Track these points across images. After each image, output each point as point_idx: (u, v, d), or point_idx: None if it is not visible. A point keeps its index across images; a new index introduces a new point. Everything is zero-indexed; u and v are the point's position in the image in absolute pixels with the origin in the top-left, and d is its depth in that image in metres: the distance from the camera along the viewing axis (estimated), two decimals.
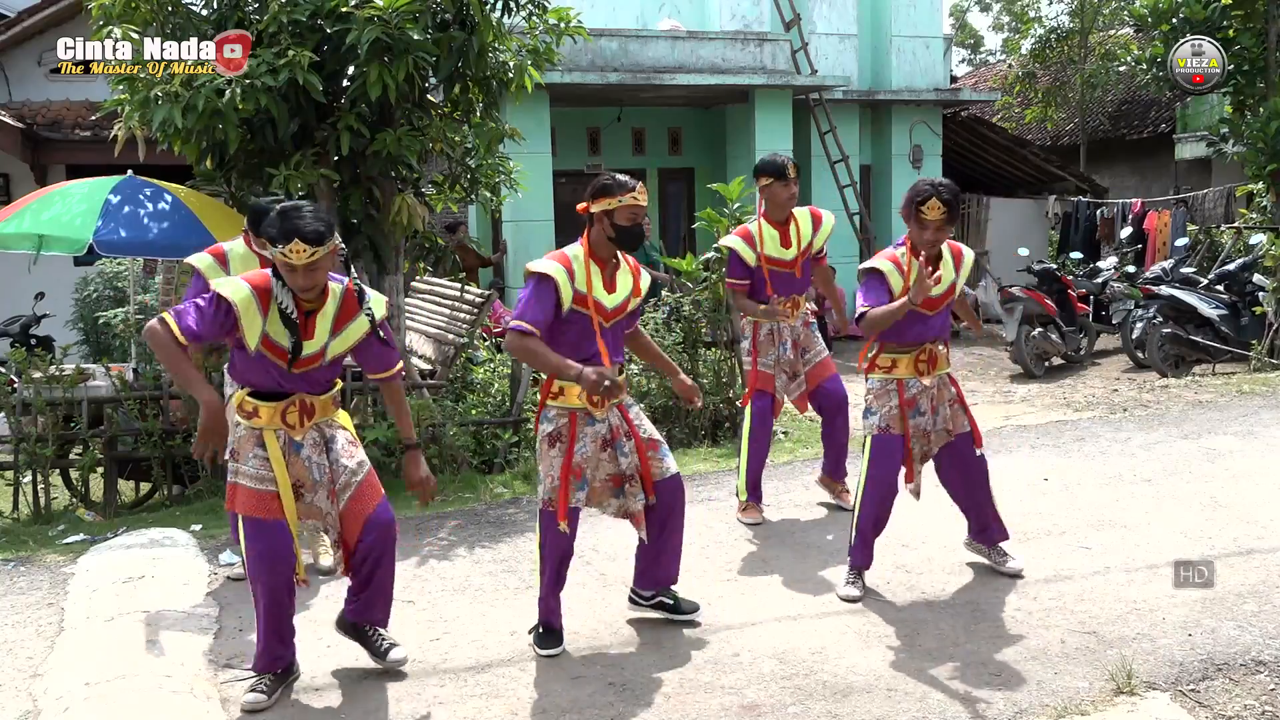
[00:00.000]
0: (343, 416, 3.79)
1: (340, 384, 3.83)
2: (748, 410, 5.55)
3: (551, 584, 4.02)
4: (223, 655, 4.03)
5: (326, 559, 4.88)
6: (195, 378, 3.50)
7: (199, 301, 3.49)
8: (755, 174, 5.44)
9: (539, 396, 4.01)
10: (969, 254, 4.53)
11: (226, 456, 3.64)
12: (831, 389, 5.59)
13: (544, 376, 3.97)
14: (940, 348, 4.47)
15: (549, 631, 4.02)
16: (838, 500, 5.76)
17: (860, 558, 4.50)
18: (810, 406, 5.76)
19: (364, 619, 3.85)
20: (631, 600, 4.30)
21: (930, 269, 4.24)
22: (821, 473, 5.89)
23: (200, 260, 4.67)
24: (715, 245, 7.47)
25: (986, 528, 4.69)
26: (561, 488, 3.89)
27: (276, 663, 3.67)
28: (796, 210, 5.46)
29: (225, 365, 4.03)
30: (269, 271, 3.55)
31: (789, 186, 5.35)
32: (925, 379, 4.40)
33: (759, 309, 5.42)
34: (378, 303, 3.71)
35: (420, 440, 6.61)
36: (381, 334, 3.71)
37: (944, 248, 4.41)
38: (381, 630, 3.87)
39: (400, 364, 3.84)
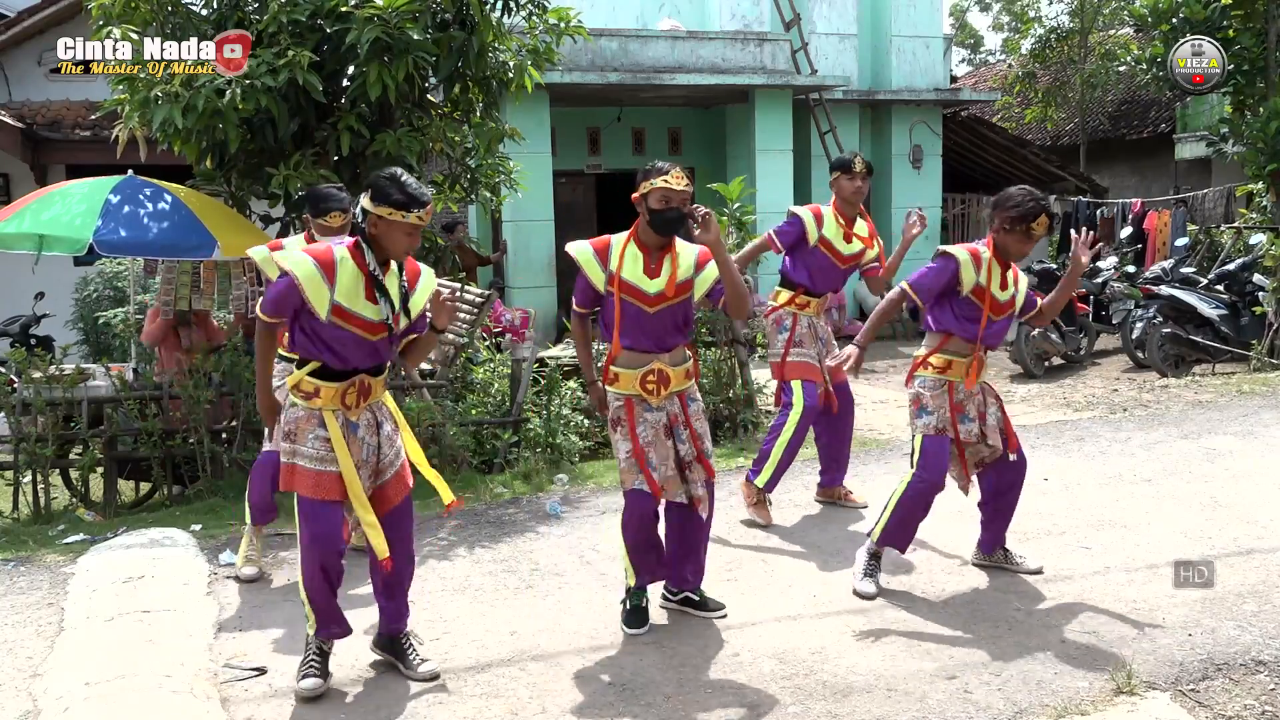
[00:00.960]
0: (389, 400, 3.84)
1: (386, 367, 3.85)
2: (800, 400, 5.38)
3: (635, 558, 4.07)
4: (223, 655, 4.02)
5: (249, 569, 4.88)
6: (264, 375, 3.73)
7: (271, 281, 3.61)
8: (831, 168, 5.60)
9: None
10: (1024, 278, 4.55)
11: (279, 438, 3.68)
12: (844, 387, 5.61)
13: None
14: (985, 357, 4.46)
15: (636, 610, 4.13)
16: (844, 503, 5.75)
17: (893, 538, 4.44)
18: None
19: (393, 628, 3.87)
20: (664, 596, 4.33)
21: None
22: (820, 486, 5.85)
23: (257, 253, 4.61)
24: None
25: (997, 535, 4.68)
26: (641, 464, 3.97)
27: (344, 629, 3.74)
28: (860, 219, 5.54)
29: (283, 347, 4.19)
30: (331, 244, 3.59)
31: (854, 180, 5.43)
32: (971, 385, 4.42)
33: (749, 252, 5.58)
34: (428, 270, 3.80)
35: (419, 437, 6.63)
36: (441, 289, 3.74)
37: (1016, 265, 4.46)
38: (416, 644, 3.89)
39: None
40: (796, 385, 5.43)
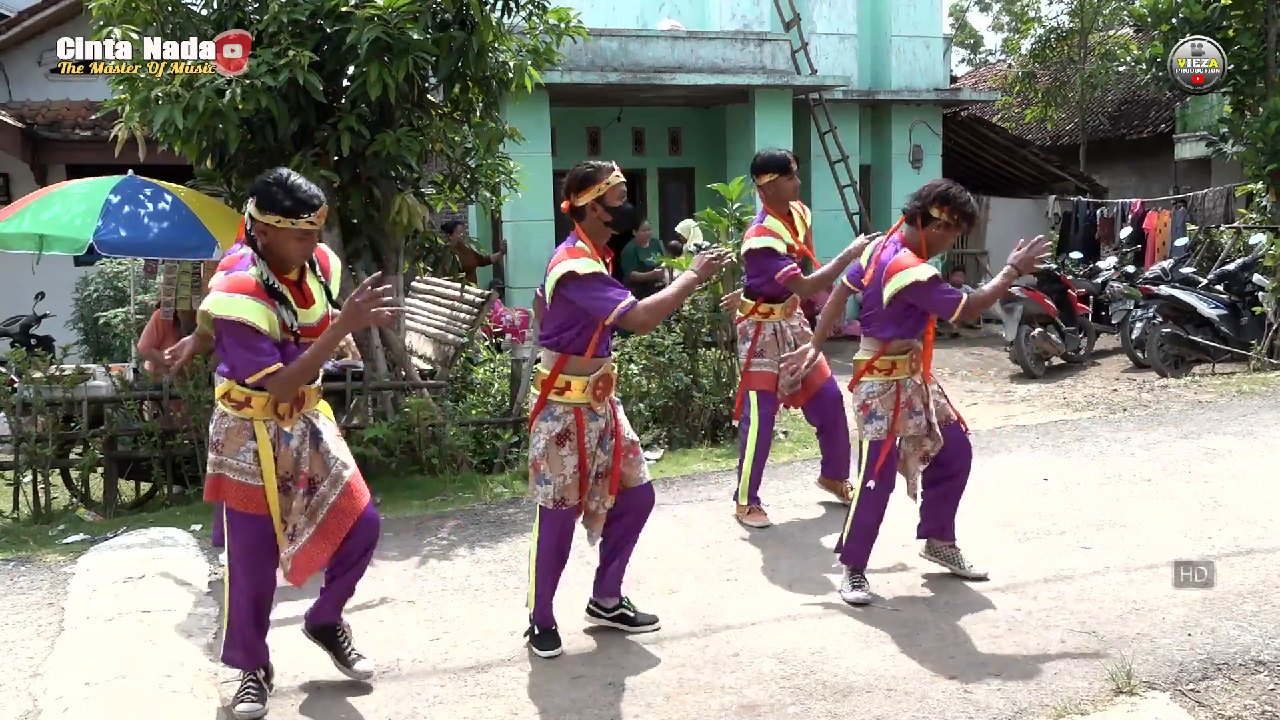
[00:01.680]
0: (324, 407, 3.72)
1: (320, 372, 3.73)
2: (755, 411, 5.45)
3: (550, 584, 4.01)
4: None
5: None
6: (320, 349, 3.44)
7: (249, 340, 3.35)
8: (757, 170, 5.38)
9: (538, 394, 3.92)
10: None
11: (209, 450, 3.55)
12: (829, 390, 5.59)
13: (546, 373, 3.93)
14: (919, 346, 4.45)
15: (546, 633, 4.00)
16: (844, 500, 5.73)
17: (858, 556, 4.48)
18: (805, 409, 5.75)
19: (319, 620, 3.77)
20: (590, 612, 4.21)
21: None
22: (822, 475, 5.87)
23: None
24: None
25: (942, 521, 4.63)
26: (581, 483, 3.89)
27: (257, 659, 3.63)
28: (793, 205, 5.49)
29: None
30: (245, 270, 3.39)
31: (794, 179, 5.38)
32: (916, 376, 4.39)
33: (816, 278, 5.32)
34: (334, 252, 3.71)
35: (419, 439, 6.64)
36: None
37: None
38: (350, 637, 3.83)
39: None
40: (753, 396, 5.48)
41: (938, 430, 4.44)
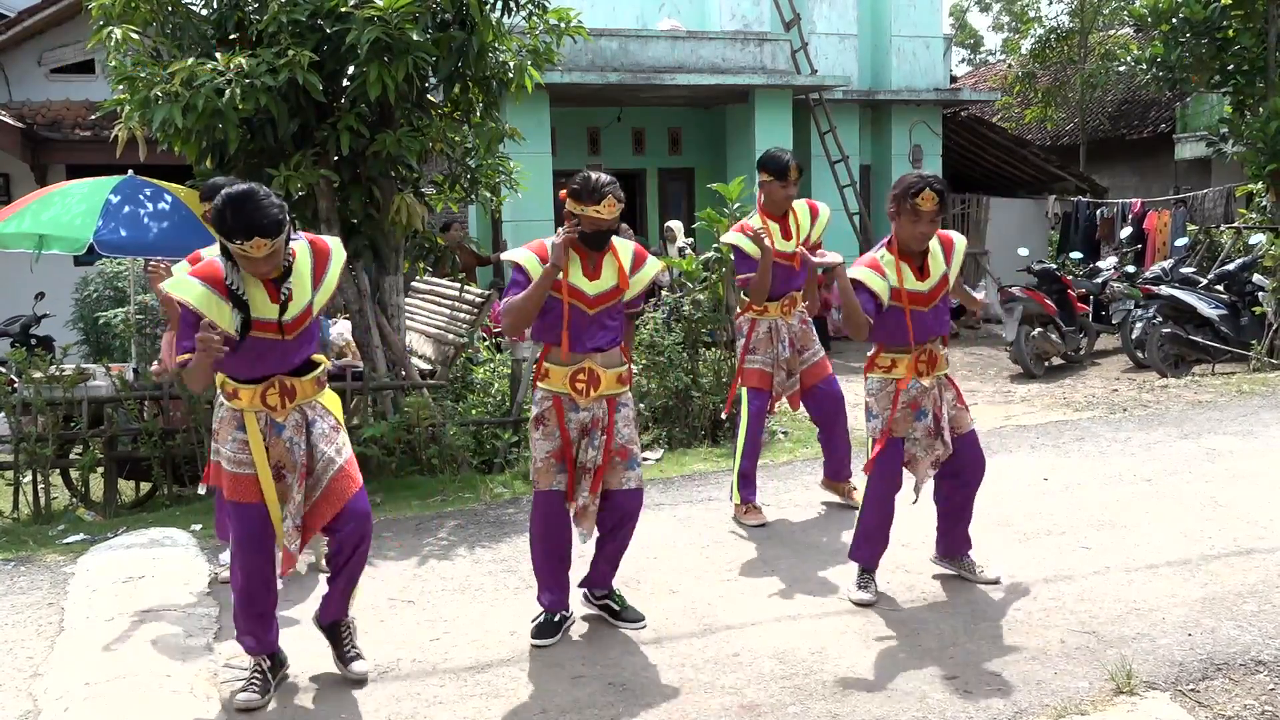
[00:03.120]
0: (329, 399, 3.71)
1: (327, 363, 3.76)
2: (745, 409, 5.48)
3: (542, 569, 4.09)
4: (223, 655, 4.02)
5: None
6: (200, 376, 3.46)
7: (186, 321, 3.44)
8: (758, 166, 5.43)
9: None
10: (960, 241, 4.40)
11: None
12: (827, 390, 5.58)
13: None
14: (940, 348, 4.39)
15: (545, 623, 4.07)
16: (846, 500, 5.73)
17: (865, 556, 4.47)
18: (806, 409, 5.76)
19: (325, 618, 3.81)
20: (585, 597, 4.32)
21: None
22: (825, 476, 5.86)
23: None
24: (715, 244, 7.49)
25: (959, 539, 4.61)
26: (562, 462, 3.98)
27: (263, 646, 3.66)
28: (795, 202, 5.46)
29: None
30: (216, 258, 3.46)
31: (787, 188, 5.35)
32: (925, 379, 4.33)
33: (766, 285, 5.34)
34: (338, 245, 3.68)
35: (419, 439, 6.64)
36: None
37: (933, 240, 4.31)
38: (354, 635, 3.85)
39: None
40: (742, 393, 5.50)
41: (948, 436, 4.38)
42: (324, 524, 3.61)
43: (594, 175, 3.87)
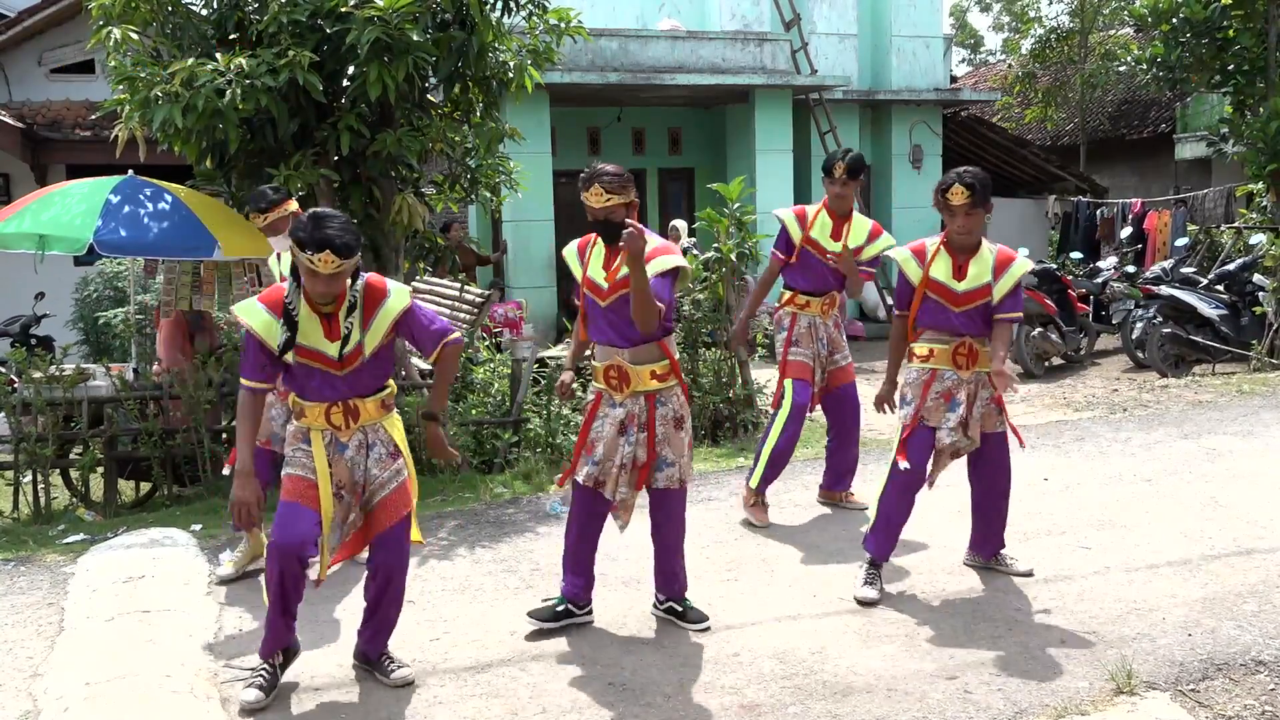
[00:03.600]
0: (393, 423, 3.74)
1: (392, 388, 3.76)
2: (789, 397, 5.41)
3: (570, 558, 4.17)
4: (223, 655, 4.02)
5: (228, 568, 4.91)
6: (245, 441, 3.54)
7: (249, 345, 3.56)
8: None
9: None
10: (1019, 264, 4.39)
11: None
12: (848, 395, 5.61)
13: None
14: (982, 346, 4.38)
15: (545, 607, 4.18)
16: (846, 504, 5.75)
17: (876, 547, 4.46)
18: (823, 410, 5.75)
19: (374, 651, 3.81)
20: (654, 605, 4.34)
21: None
22: (822, 487, 5.84)
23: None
24: (715, 245, 7.50)
25: (989, 539, 4.66)
26: (575, 455, 4.08)
27: (279, 644, 3.68)
28: (860, 216, 5.48)
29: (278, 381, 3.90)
30: (281, 284, 3.59)
31: (834, 185, 5.37)
32: (964, 372, 4.37)
33: (757, 297, 5.55)
34: (399, 293, 3.66)
35: (419, 437, 6.63)
36: (418, 316, 3.66)
37: (989, 250, 4.39)
38: (393, 657, 3.85)
39: (455, 332, 3.73)
40: (788, 384, 5.46)
41: (976, 430, 4.39)
42: (362, 546, 3.68)
43: (596, 166, 3.92)
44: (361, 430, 3.64)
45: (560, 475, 4.15)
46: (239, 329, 6.82)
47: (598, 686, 3.71)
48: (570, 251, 4.15)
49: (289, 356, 3.51)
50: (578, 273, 4.09)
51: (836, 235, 5.42)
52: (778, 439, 5.41)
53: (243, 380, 3.56)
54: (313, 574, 3.64)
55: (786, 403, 5.42)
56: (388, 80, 6.06)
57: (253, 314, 3.52)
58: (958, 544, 4.93)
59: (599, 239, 4.02)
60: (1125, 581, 4.52)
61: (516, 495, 6.26)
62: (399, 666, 3.80)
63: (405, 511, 3.69)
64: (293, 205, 4.98)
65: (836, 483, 5.79)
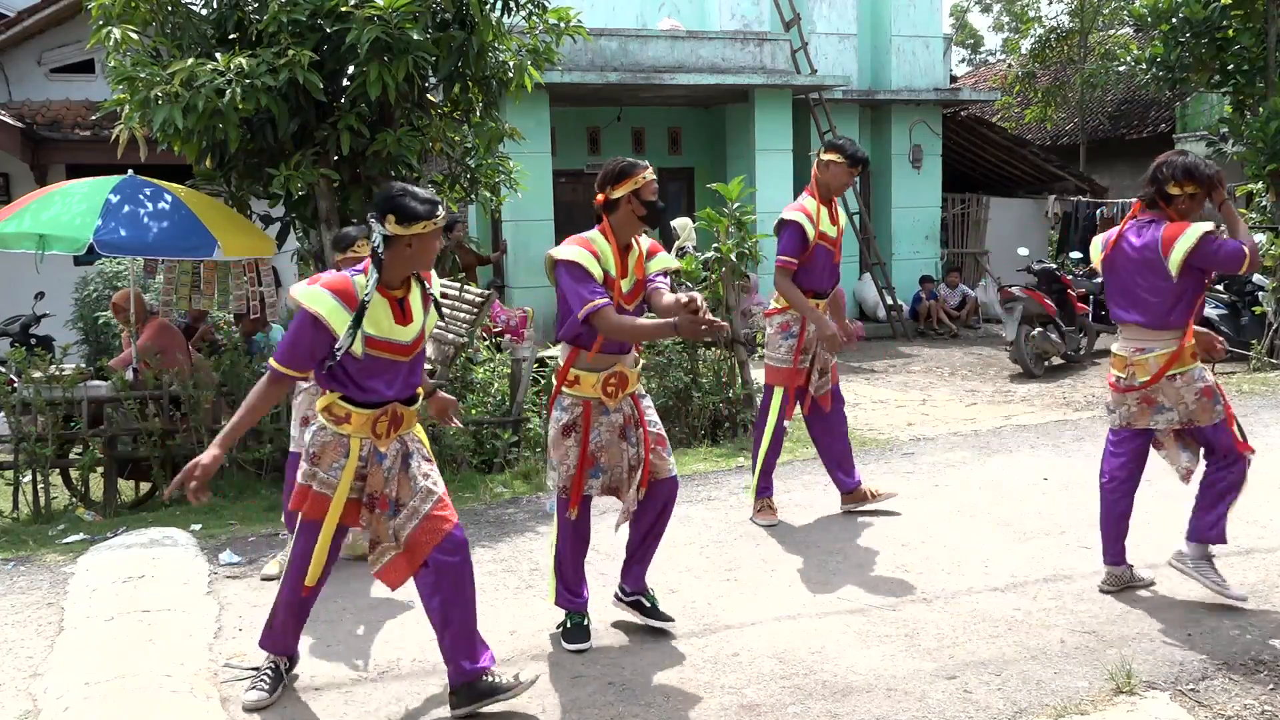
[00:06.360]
0: (419, 430, 3.70)
1: (421, 395, 3.72)
2: (777, 404, 5.42)
3: (570, 574, 4.07)
4: (223, 655, 4.03)
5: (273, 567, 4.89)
6: (245, 422, 3.43)
7: (304, 331, 3.37)
8: (826, 147, 5.48)
9: (554, 386, 4.02)
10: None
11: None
12: (837, 390, 5.61)
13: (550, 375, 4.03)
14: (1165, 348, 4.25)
15: (577, 627, 4.05)
16: (875, 504, 5.64)
17: (1112, 555, 4.42)
18: (807, 416, 5.74)
19: (460, 682, 3.53)
20: (616, 597, 4.29)
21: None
22: (842, 494, 5.67)
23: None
24: (715, 244, 7.49)
25: (1204, 526, 4.39)
26: (577, 474, 3.92)
27: (285, 648, 3.69)
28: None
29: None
30: (346, 273, 3.44)
31: (851, 173, 5.43)
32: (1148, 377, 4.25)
33: (806, 303, 5.29)
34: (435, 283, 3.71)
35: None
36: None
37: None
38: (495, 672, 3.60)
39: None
40: (779, 393, 5.44)
41: (1198, 424, 4.33)
42: (431, 547, 3.47)
43: (623, 159, 3.94)
44: (399, 439, 3.56)
45: (569, 500, 3.97)
46: (241, 324, 6.78)
47: (598, 686, 3.71)
48: (584, 254, 3.87)
49: (357, 348, 3.37)
50: (598, 273, 3.86)
51: (834, 219, 5.46)
52: (770, 445, 5.47)
53: (276, 364, 3.37)
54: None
55: (773, 412, 5.44)
56: (388, 80, 6.06)
57: (319, 300, 3.34)
58: (958, 543, 4.93)
59: (612, 243, 3.92)
60: None
61: (516, 495, 6.26)
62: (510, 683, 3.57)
63: (446, 529, 3.49)
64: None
65: (847, 476, 5.64)
